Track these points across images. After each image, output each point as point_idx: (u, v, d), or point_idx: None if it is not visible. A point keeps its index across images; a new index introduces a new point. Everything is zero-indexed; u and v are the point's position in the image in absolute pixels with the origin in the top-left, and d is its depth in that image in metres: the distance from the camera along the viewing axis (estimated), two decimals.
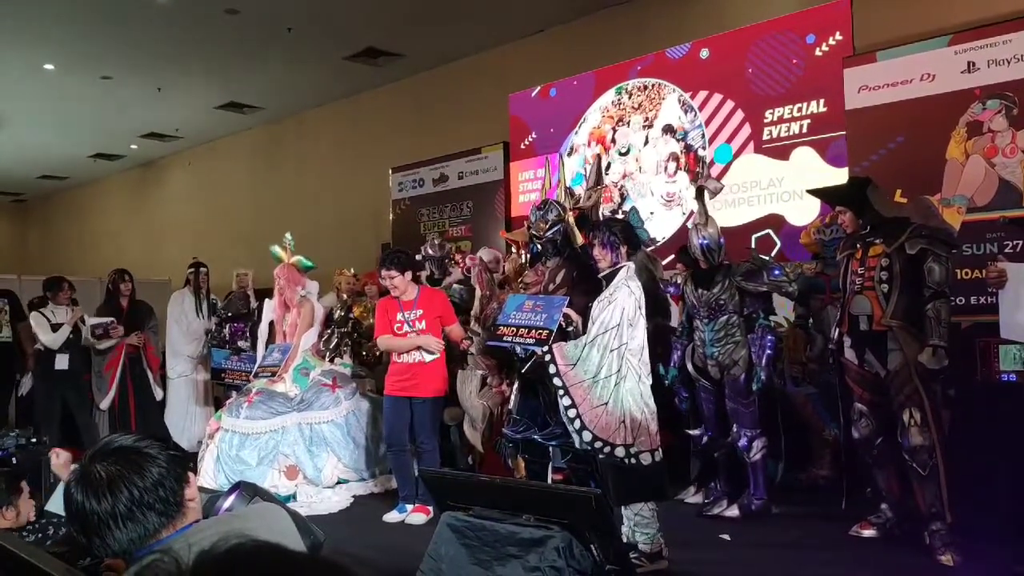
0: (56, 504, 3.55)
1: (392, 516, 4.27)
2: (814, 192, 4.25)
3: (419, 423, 4.35)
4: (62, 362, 5.92)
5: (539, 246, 4.07)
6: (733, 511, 4.12)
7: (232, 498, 2.83)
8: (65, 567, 1.40)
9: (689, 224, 4.44)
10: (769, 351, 4.03)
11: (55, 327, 5.88)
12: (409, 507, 4.35)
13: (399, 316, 4.41)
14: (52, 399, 5.96)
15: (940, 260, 3.52)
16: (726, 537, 3.82)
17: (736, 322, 4.14)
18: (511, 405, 3.80)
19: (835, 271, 4.13)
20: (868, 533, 3.76)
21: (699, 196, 4.31)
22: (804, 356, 4.59)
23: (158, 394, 6.44)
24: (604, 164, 6.77)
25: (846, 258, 3.87)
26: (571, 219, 4.01)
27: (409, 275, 4.41)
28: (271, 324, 5.47)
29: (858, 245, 3.78)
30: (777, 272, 4.12)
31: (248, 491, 2.86)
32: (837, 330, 3.87)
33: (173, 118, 10.88)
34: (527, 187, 7.39)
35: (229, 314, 6.07)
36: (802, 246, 5.06)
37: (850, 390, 3.85)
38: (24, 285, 8.80)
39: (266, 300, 5.60)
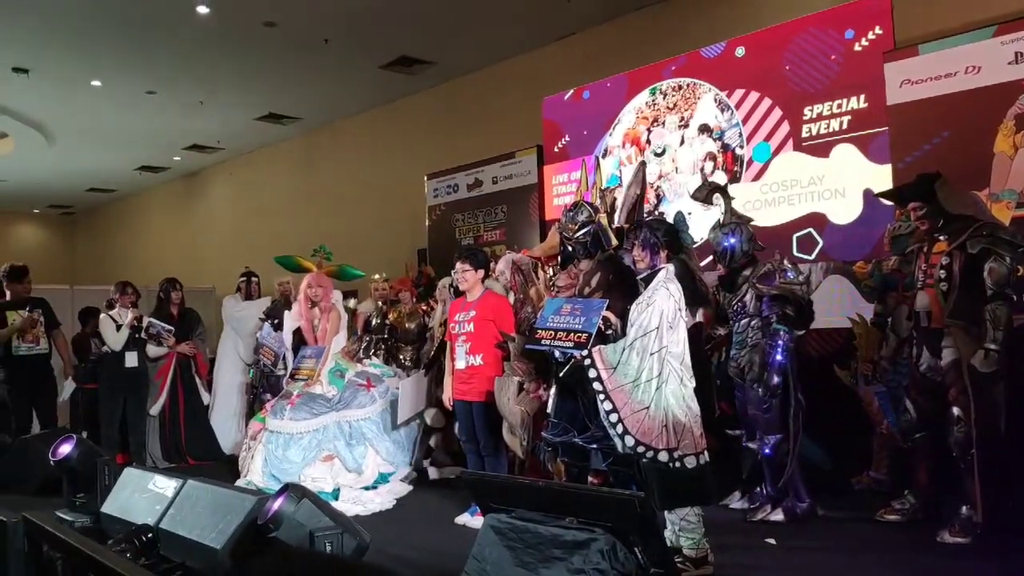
0: (112, 505, 3.67)
1: (463, 518, 4.28)
2: (882, 194, 4.33)
3: (478, 427, 4.39)
4: (131, 360, 6.09)
5: (570, 248, 4.06)
6: (778, 515, 4.07)
7: (281, 500, 2.91)
8: (131, 564, 1.45)
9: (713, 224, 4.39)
10: (780, 356, 4.00)
11: (119, 328, 6.09)
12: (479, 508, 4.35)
13: (457, 316, 4.47)
14: (116, 401, 6.12)
15: (1001, 261, 3.48)
16: (772, 541, 3.77)
17: (755, 325, 4.12)
18: (549, 409, 3.80)
19: (908, 267, 4.06)
20: (891, 518, 3.97)
21: (724, 195, 4.28)
22: (877, 355, 4.51)
23: (205, 399, 6.63)
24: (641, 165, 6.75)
25: (916, 252, 3.89)
26: (603, 220, 3.99)
27: (481, 274, 4.45)
28: (295, 331, 5.64)
29: (925, 240, 3.83)
30: (789, 274, 4.07)
31: (296, 493, 2.94)
32: (909, 325, 3.92)
33: (214, 130, 11.15)
34: (561, 190, 7.40)
35: (275, 320, 6.23)
36: (848, 245, 5.02)
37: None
38: (76, 295, 9.11)
39: (286, 312, 5.77)
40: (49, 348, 6.15)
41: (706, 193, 4.39)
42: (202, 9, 7.14)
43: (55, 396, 6.39)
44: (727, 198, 4.32)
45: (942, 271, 3.65)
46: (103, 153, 12.19)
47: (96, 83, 9.06)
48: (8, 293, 6.14)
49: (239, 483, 4.69)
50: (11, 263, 6.23)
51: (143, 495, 3.52)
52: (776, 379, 3.98)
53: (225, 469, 5.64)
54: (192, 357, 6.53)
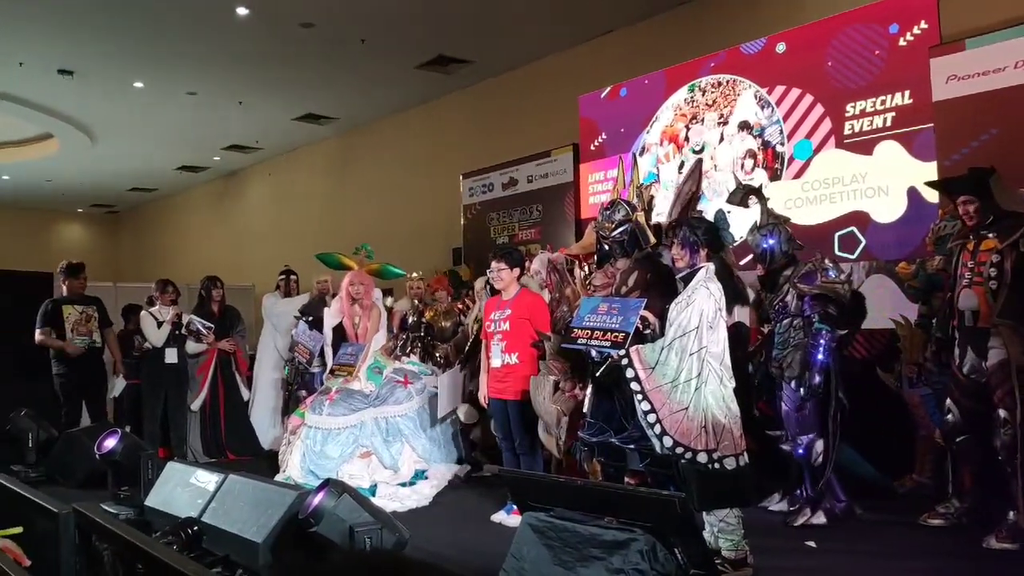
0: (155, 499, 3.75)
1: (499, 516, 4.28)
2: (933, 184, 4.27)
3: (514, 426, 4.39)
4: (171, 356, 6.27)
5: (606, 246, 4.03)
6: (819, 518, 4.00)
7: (321, 495, 2.94)
8: (180, 556, 1.47)
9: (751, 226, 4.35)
10: (821, 355, 3.93)
11: (160, 325, 6.26)
12: (515, 507, 4.36)
13: (493, 315, 4.48)
14: (157, 396, 6.29)
15: None
16: (812, 544, 3.71)
17: (797, 325, 4.07)
18: (585, 408, 3.78)
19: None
20: (936, 522, 3.90)
21: (759, 197, 4.23)
22: (922, 357, 4.41)
23: (245, 395, 6.74)
24: (678, 163, 6.69)
25: (958, 249, 3.79)
26: (640, 218, 3.95)
27: (517, 272, 4.46)
28: (335, 328, 5.67)
29: (971, 237, 3.73)
30: (831, 273, 4.02)
31: (336, 488, 2.97)
32: (950, 324, 3.79)
33: (253, 130, 11.32)
34: (597, 188, 7.36)
35: (310, 318, 6.32)
36: (892, 244, 4.92)
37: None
38: (119, 292, 9.35)
39: (326, 309, 5.81)
40: (101, 343, 6.34)
41: (741, 196, 4.34)
42: (241, 11, 7.26)
43: (105, 390, 6.58)
44: (763, 200, 4.26)
45: (992, 269, 3.57)
46: (145, 153, 12.47)
47: (138, 84, 9.26)
48: (65, 289, 6.34)
49: (278, 478, 4.76)
50: (68, 260, 6.45)
51: (185, 489, 3.58)
52: (817, 378, 3.93)
53: (264, 464, 5.73)
54: (232, 354, 6.65)
